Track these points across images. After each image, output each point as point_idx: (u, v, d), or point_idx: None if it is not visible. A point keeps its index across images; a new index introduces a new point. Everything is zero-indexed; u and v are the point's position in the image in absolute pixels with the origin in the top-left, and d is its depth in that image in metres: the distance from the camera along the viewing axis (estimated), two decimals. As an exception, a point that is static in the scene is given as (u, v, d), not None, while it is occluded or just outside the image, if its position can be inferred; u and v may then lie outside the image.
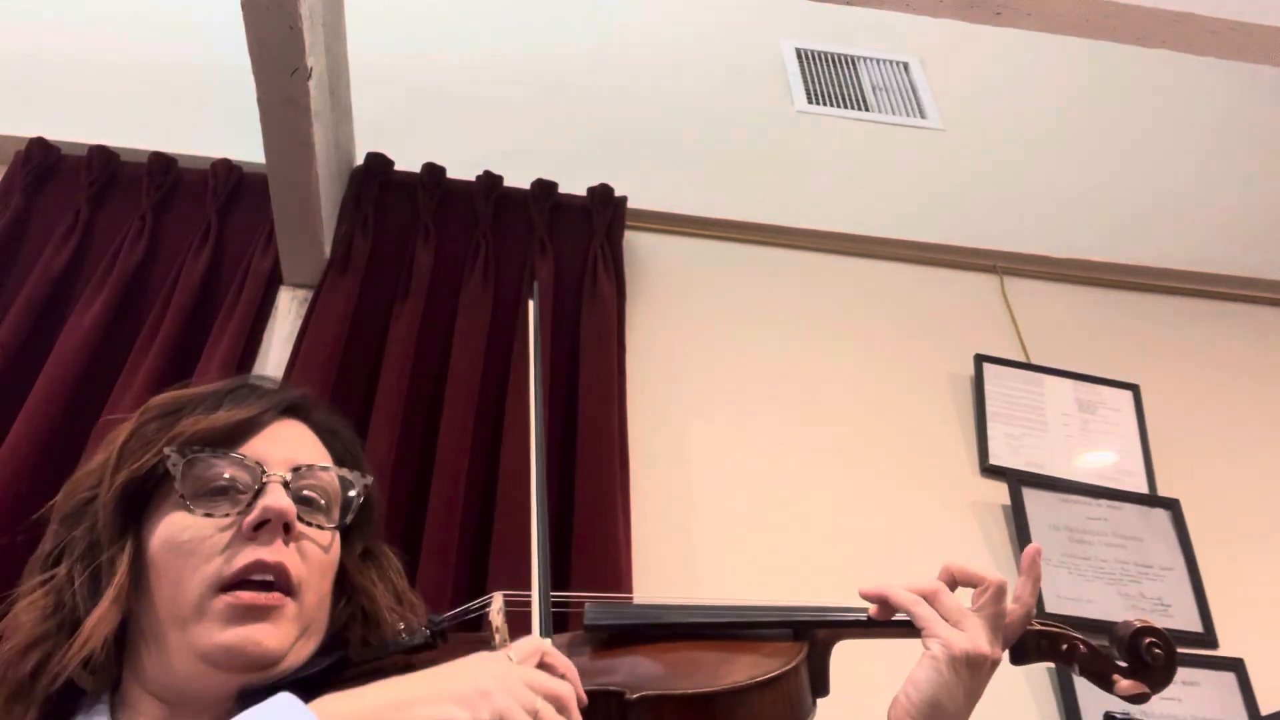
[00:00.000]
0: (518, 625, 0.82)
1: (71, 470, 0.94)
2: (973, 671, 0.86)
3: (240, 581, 0.81)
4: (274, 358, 1.96)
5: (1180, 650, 1.97)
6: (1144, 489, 2.18)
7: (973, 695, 0.87)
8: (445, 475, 1.78)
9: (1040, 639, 0.92)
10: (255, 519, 0.82)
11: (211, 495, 0.84)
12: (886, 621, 0.89)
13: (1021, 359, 2.33)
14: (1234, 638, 2.00)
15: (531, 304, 1.03)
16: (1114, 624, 0.91)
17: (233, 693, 0.80)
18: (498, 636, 0.81)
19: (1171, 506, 2.15)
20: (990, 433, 2.17)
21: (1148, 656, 0.86)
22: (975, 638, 0.86)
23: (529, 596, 0.83)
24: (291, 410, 0.94)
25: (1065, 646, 0.91)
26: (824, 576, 1.92)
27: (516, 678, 0.71)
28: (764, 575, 1.89)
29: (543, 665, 0.75)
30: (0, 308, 1.95)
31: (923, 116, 2.87)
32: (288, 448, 0.89)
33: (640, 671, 0.76)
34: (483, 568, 1.71)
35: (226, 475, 0.85)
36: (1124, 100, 3.01)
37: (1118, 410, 2.30)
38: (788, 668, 0.74)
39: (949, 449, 2.16)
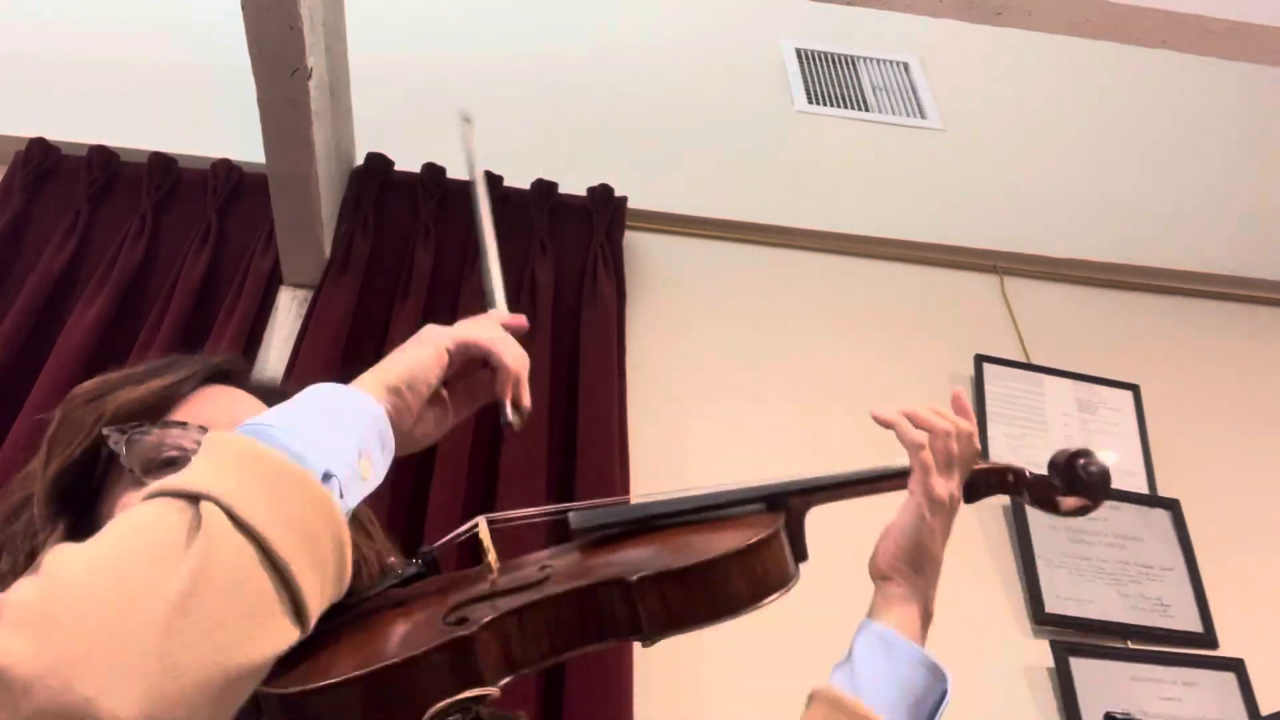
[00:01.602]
0: (504, 543, 0.86)
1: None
2: (946, 515, 0.94)
3: None
4: (274, 358, 1.96)
5: (1180, 650, 1.99)
6: (1144, 489, 2.18)
7: (945, 535, 0.95)
8: (445, 475, 1.78)
9: (989, 475, 1.00)
10: None
11: (163, 468, 0.81)
12: (852, 480, 0.96)
13: (1021, 359, 2.33)
14: (1234, 638, 2.00)
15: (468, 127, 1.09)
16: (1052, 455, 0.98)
17: None
18: (489, 555, 0.83)
19: (1171, 506, 2.15)
20: (990, 433, 2.17)
21: (1084, 474, 0.94)
22: (951, 483, 0.94)
23: (511, 516, 0.90)
24: (220, 376, 0.92)
25: (1011, 478, 0.98)
26: (824, 577, 1.92)
27: (463, 322, 0.85)
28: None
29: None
30: (0, 308, 1.95)
31: (923, 116, 2.88)
32: (229, 408, 0.87)
33: (635, 559, 0.80)
34: (483, 568, 1.71)
35: (173, 443, 0.82)
36: (1124, 101, 3.01)
37: (1118, 410, 2.30)
38: (769, 532, 0.80)
39: (949, 449, 2.16)
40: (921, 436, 0.96)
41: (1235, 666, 1.95)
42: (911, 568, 0.94)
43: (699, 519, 0.89)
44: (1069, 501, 0.95)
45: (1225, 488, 2.23)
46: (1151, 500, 2.16)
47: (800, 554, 0.89)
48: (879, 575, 0.96)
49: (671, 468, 2.01)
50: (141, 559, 0.56)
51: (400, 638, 0.72)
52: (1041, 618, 1.93)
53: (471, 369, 0.85)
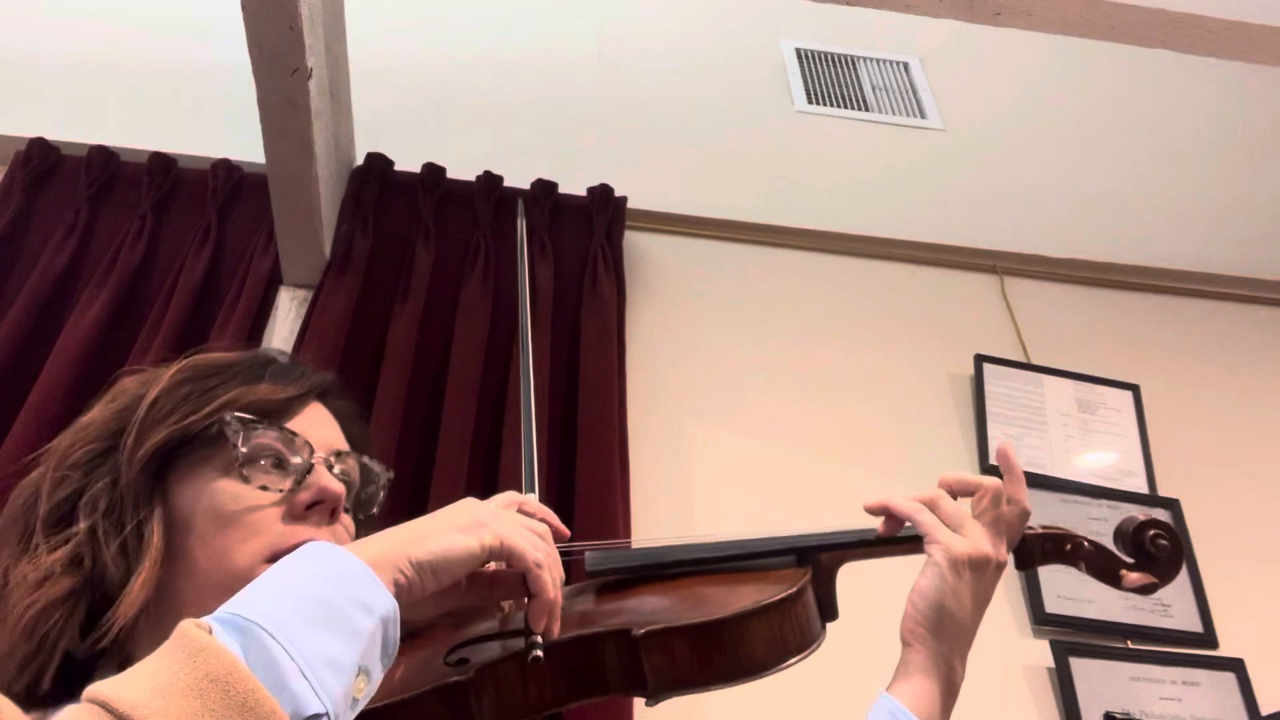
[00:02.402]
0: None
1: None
2: (977, 575, 0.88)
3: None
4: (274, 358, 1.96)
5: (1180, 650, 1.99)
6: (1144, 489, 2.18)
7: (980, 600, 0.89)
8: (445, 475, 1.78)
9: (1044, 541, 0.93)
10: (311, 498, 0.82)
11: (265, 467, 0.83)
12: (887, 538, 0.90)
13: (1021, 359, 2.33)
14: (1234, 638, 2.00)
15: (521, 222, 1.04)
16: (1119, 523, 0.92)
17: None
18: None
19: (1171, 506, 2.15)
20: (990, 433, 2.17)
21: (1152, 548, 0.87)
22: (976, 540, 0.88)
23: None
24: (325, 394, 0.93)
25: (1069, 546, 0.92)
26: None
27: (507, 514, 0.79)
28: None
29: (521, 512, 0.82)
30: (0, 308, 1.95)
31: (923, 116, 2.88)
32: (326, 431, 0.89)
33: (645, 609, 0.76)
34: (483, 568, 1.71)
35: (281, 449, 0.84)
36: (1124, 100, 3.01)
37: (1118, 410, 2.30)
38: (792, 591, 0.74)
39: (949, 449, 2.16)
40: (912, 504, 0.91)
41: (1235, 666, 1.95)
42: (931, 632, 0.88)
43: (721, 568, 0.84)
44: (1133, 577, 0.88)
45: (1225, 488, 2.23)
46: (1151, 500, 2.16)
47: (829, 613, 0.84)
48: (902, 640, 0.90)
49: (671, 467, 2.01)
50: None
51: (400, 675, 0.70)
52: (1041, 618, 1.93)
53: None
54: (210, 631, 0.60)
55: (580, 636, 0.70)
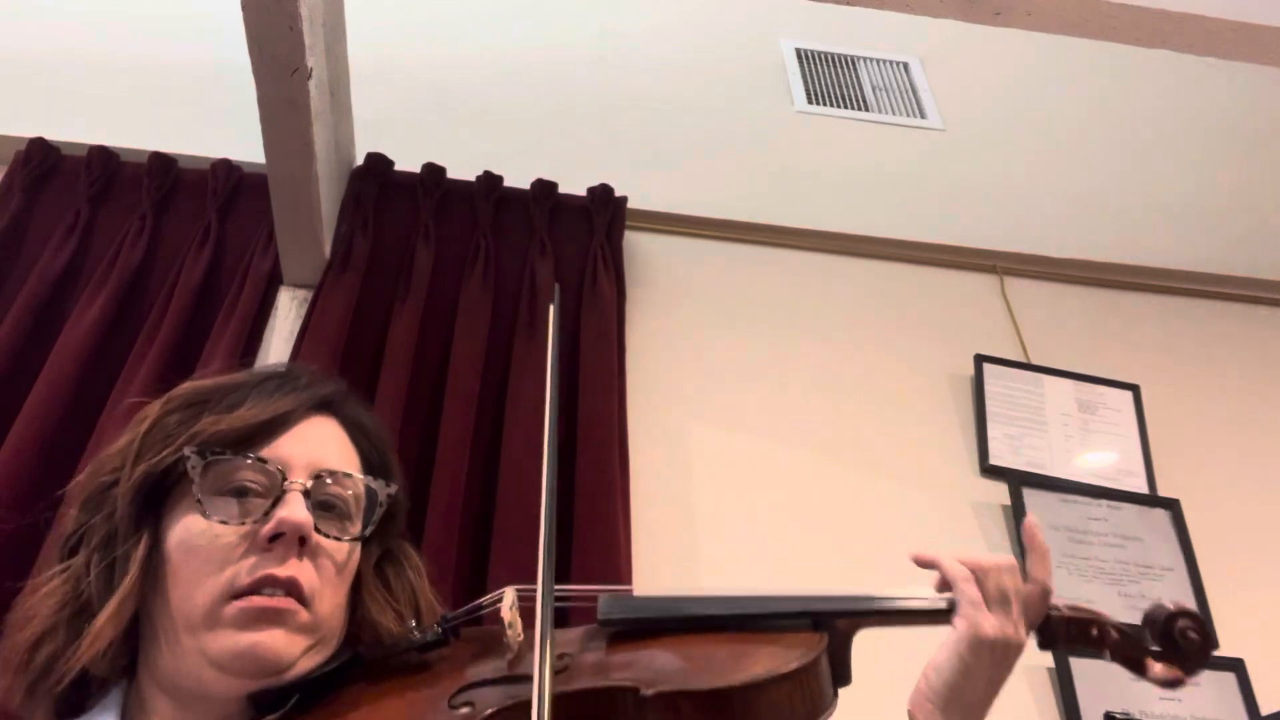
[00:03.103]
0: (529, 619, 0.81)
1: (73, 471, 0.93)
2: (997, 658, 0.84)
3: (250, 591, 0.80)
4: (274, 358, 1.96)
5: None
6: (1144, 489, 2.18)
7: (995, 683, 0.85)
8: (445, 475, 1.78)
9: (1068, 624, 0.89)
10: (270, 531, 0.80)
11: (229, 500, 0.82)
12: (909, 610, 0.87)
13: (1021, 359, 2.33)
14: (1234, 638, 1.99)
15: (553, 309, 0.98)
16: (1146, 608, 0.89)
17: (243, 695, 0.79)
18: (510, 631, 0.80)
19: (1171, 506, 2.15)
20: (990, 433, 2.17)
21: (1182, 640, 0.84)
22: (1004, 623, 0.84)
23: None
24: (323, 406, 0.90)
25: (1095, 631, 0.88)
26: (824, 577, 1.92)
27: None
28: (764, 576, 1.88)
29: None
30: (0, 308, 1.95)
31: (923, 116, 2.87)
32: (314, 449, 0.86)
33: (656, 666, 0.74)
34: (483, 567, 1.71)
35: (246, 479, 0.83)
36: (1124, 100, 3.01)
37: (1118, 410, 2.30)
38: (807, 660, 0.72)
39: (949, 449, 2.16)
40: (965, 570, 0.87)
41: (1235, 666, 1.95)
42: (938, 708, 0.84)
43: (735, 626, 0.81)
44: (1159, 669, 0.85)
45: (1225, 488, 2.23)
46: (1151, 500, 2.16)
47: (842, 678, 0.81)
48: (909, 713, 0.87)
49: (671, 467, 2.01)
50: None
51: (404, 715, 0.70)
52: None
53: None
54: None
55: (588, 689, 0.69)
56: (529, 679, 0.69)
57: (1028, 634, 0.88)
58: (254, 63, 1.71)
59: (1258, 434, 2.35)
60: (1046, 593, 0.89)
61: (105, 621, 0.79)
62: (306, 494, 0.83)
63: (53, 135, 2.21)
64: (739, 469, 2.04)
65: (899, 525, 2.01)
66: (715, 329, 2.25)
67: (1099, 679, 1.87)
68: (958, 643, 0.84)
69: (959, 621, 0.84)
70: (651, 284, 2.28)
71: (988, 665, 0.84)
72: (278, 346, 1.98)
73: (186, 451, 0.83)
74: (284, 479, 0.83)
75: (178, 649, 0.80)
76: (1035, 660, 1.90)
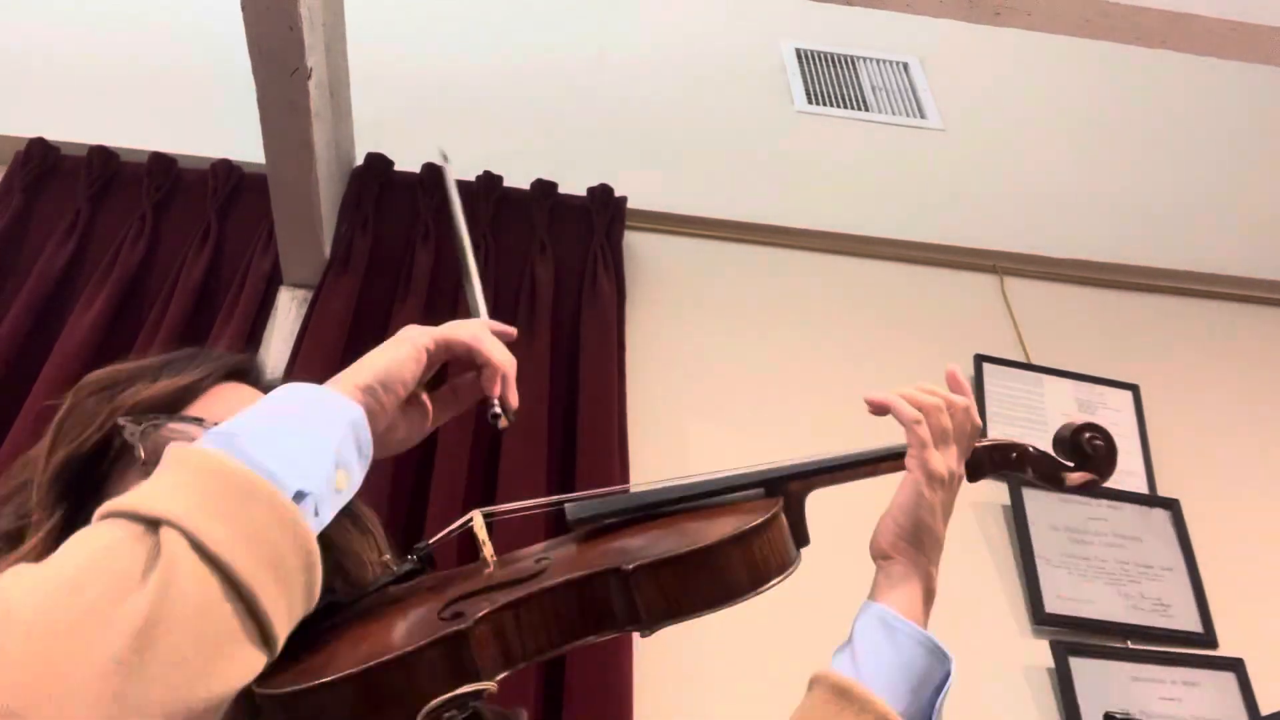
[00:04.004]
0: (503, 536, 0.86)
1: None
2: (947, 489, 0.93)
3: None
4: (274, 358, 1.96)
5: (1180, 650, 1.98)
6: (1144, 489, 2.18)
7: (948, 511, 0.94)
8: (445, 475, 1.78)
9: (992, 453, 0.99)
10: None
11: None
12: (852, 462, 0.98)
13: (1021, 359, 2.33)
14: (1234, 638, 2.00)
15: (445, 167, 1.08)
16: (1056, 431, 0.98)
17: None
18: (485, 549, 0.82)
19: (1171, 506, 2.15)
20: (990, 432, 2.17)
21: (1089, 449, 0.94)
22: (949, 458, 0.94)
23: (506, 509, 0.89)
24: (238, 373, 0.91)
25: (1015, 455, 0.98)
26: (824, 577, 1.92)
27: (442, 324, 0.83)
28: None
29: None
30: (0, 308, 1.95)
31: (923, 116, 2.88)
32: (238, 409, 0.85)
33: (631, 547, 0.79)
34: (483, 568, 1.71)
35: (190, 437, 0.81)
36: (1124, 101, 3.01)
37: (1118, 410, 2.30)
38: (768, 516, 0.79)
39: (949, 449, 2.16)
40: (916, 412, 0.95)
41: (1235, 666, 1.95)
42: (912, 545, 0.94)
43: (696, 505, 0.89)
44: (1075, 477, 0.95)
45: (1225, 488, 2.23)
46: (1151, 500, 2.16)
47: (801, 539, 0.89)
48: (879, 555, 0.96)
49: (671, 468, 2.01)
50: (97, 590, 0.52)
51: (396, 634, 0.71)
52: (1041, 618, 1.93)
53: (456, 370, 0.84)
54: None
55: (572, 580, 0.72)
56: (513, 583, 0.73)
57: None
58: (254, 63, 1.71)
59: (1258, 434, 2.35)
60: (978, 429, 0.98)
61: None
62: None
63: (53, 135, 2.21)
64: (739, 468, 2.04)
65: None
66: (715, 329, 2.25)
67: (1099, 679, 1.88)
68: (915, 481, 0.93)
69: (911, 461, 0.94)
70: (651, 284, 2.28)
71: (944, 497, 0.93)
72: (278, 346, 1.98)
73: (120, 420, 0.82)
74: None
75: None
76: (1035, 660, 1.90)
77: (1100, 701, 1.84)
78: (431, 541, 0.86)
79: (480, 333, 0.82)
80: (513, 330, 0.88)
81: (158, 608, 0.52)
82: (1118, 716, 1.82)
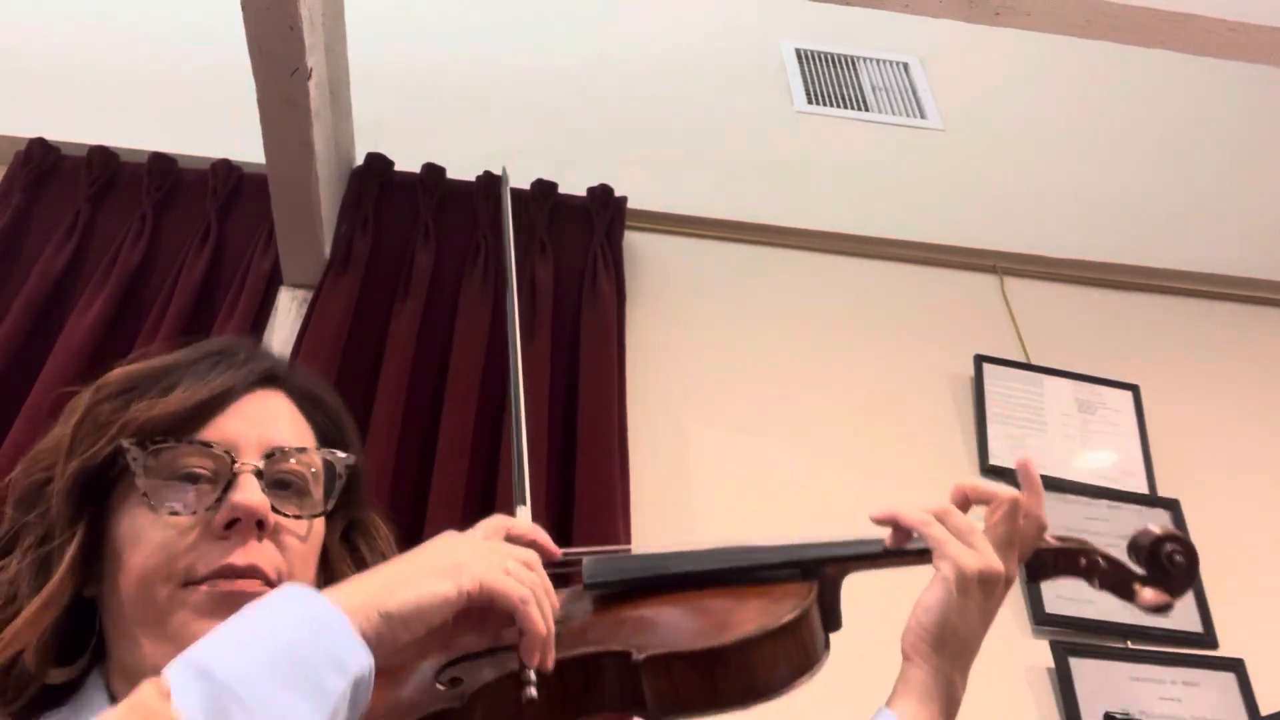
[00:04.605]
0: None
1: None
2: (985, 591, 0.84)
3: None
4: (274, 358, 1.96)
5: (1180, 650, 1.98)
6: (1144, 489, 2.18)
7: (986, 616, 0.85)
8: (445, 475, 1.78)
9: (1057, 555, 0.89)
10: (225, 518, 0.76)
11: (177, 487, 0.77)
12: (895, 550, 0.87)
13: (1021, 359, 2.33)
14: (1234, 638, 2.00)
15: (506, 192, 0.99)
16: (1132, 534, 0.89)
17: None
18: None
19: (1171, 506, 2.15)
20: (990, 433, 2.17)
21: (1168, 564, 0.84)
22: (987, 556, 0.84)
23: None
24: (267, 380, 0.86)
25: (1084, 561, 0.88)
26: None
27: (488, 548, 0.74)
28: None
29: (509, 539, 0.79)
30: (0, 308, 1.95)
31: (923, 116, 2.87)
32: (262, 426, 0.82)
33: (646, 628, 0.74)
34: (483, 568, 1.71)
35: (192, 465, 0.78)
36: (1124, 101, 3.01)
37: (1118, 410, 2.30)
38: (798, 612, 0.72)
39: (949, 449, 2.16)
40: (924, 515, 0.87)
41: (1235, 666, 1.95)
42: (935, 650, 0.84)
43: (724, 580, 0.81)
44: (1147, 594, 0.85)
45: (1225, 488, 2.23)
46: (1151, 500, 2.16)
47: (832, 623, 0.81)
48: (903, 654, 0.86)
49: (671, 467, 2.01)
50: None
51: (391, 691, 0.68)
52: (1041, 618, 1.93)
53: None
54: (169, 695, 0.58)
55: (578, 656, 0.69)
56: (514, 649, 0.69)
57: (1019, 566, 0.88)
58: (254, 63, 1.71)
59: (1258, 434, 2.35)
60: (1042, 528, 0.89)
61: (24, 625, 0.75)
62: (260, 474, 0.79)
63: (53, 135, 2.21)
64: (739, 468, 2.04)
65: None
66: (715, 329, 2.25)
67: (1099, 679, 1.88)
68: (944, 580, 0.83)
69: (939, 561, 0.84)
70: (651, 284, 2.28)
71: (978, 599, 0.84)
72: (278, 347, 1.98)
73: (124, 443, 0.78)
74: (233, 461, 0.78)
75: (135, 645, 0.76)
76: (1035, 660, 1.90)
77: (1100, 701, 1.84)
78: None
79: (528, 588, 0.71)
80: (558, 552, 0.81)
81: None
82: (1118, 716, 1.82)
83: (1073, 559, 0.89)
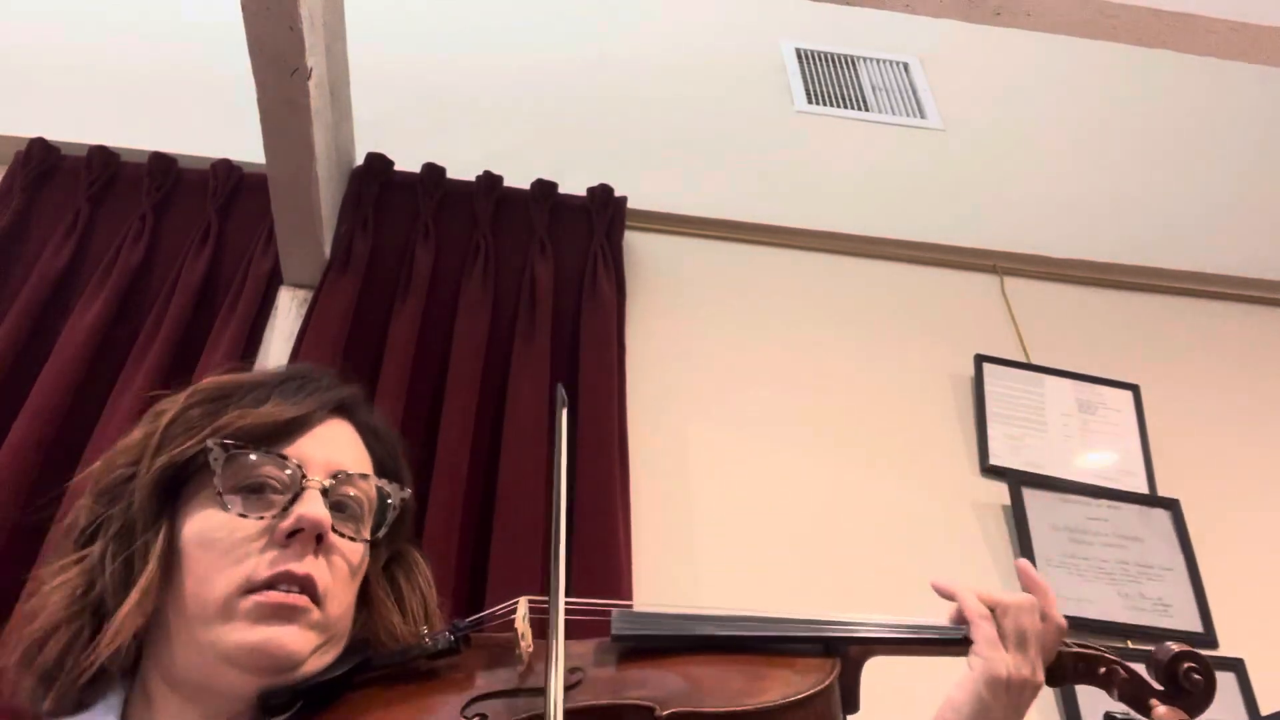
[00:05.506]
0: (540, 630, 0.80)
1: (73, 470, 0.93)
2: (1013, 698, 0.84)
3: (267, 585, 0.80)
4: (274, 358, 1.96)
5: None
6: (1144, 489, 2.18)
7: (1016, 718, 0.85)
8: (445, 475, 1.78)
9: (1078, 661, 0.90)
10: (290, 526, 0.81)
11: (248, 494, 0.83)
12: (922, 639, 0.87)
13: (1021, 359, 2.33)
14: (1234, 638, 2.00)
15: (564, 412, 0.96)
16: (1152, 649, 0.90)
17: (252, 693, 0.79)
18: (522, 642, 0.80)
19: (1171, 506, 2.15)
20: (990, 433, 2.17)
21: (1186, 682, 0.85)
22: (1021, 662, 0.84)
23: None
24: (340, 409, 0.92)
25: (1104, 670, 0.89)
26: (824, 576, 1.92)
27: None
28: (764, 575, 1.89)
29: None
30: (0, 308, 1.95)
31: (923, 116, 2.87)
32: (331, 450, 0.87)
33: (670, 686, 0.75)
34: (483, 565, 1.71)
35: (266, 475, 0.83)
36: (1124, 101, 3.01)
37: (1118, 410, 2.30)
38: (820, 687, 0.73)
39: (949, 449, 2.16)
40: (983, 607, 0.86)
41: (1235, 666, 1.95)
42: None
43: (749, 648, 0.82)
44: (1162, 711, 0.85)
45: (1225, 488, 2.23)
46: (1151, 500, 2.16)
47: (850, 704, 0.82)
48: None
49: (671, 467, 2.01)
50: None
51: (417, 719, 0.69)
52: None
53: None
54: None
55: (602, 706, 0.70)
56: (540, 692, 0.69)
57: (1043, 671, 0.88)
58: (254, 63, 1.71)
59: (1258, 434, 2.35)
60: (1061, 630, 0.89)
61: (127, 614, 0.79)
62: (324, 493, 0.84)
63: (53, 135, 2.21)
64: (739, 469, 2.04)
65: (899, 526, 2.01)
66: (715, 329, 2.25)
67: (1099, 679, 1.87)
68: (975, 682, 0.83)
69: (974, 660, 0.84)
70: (651, 284, 2.28)
71: (1004, 704, 0.84)
72: (278, 346, 1.98)
73: (210, 444, 0.83)
74: (303, 476, 0.84)
75: (190, 642, 0.80)
76: (1035, 660, 1.90)
77: (1100, 702, 1.83)
78: (470, 621, 0.84)
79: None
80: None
81: None
82: (1118, 716, 1.82)
83: (1093, 667, 0.90)
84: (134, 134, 2.26)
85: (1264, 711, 1.89)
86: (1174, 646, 0.87)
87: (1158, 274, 2.59)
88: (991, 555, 2.02)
